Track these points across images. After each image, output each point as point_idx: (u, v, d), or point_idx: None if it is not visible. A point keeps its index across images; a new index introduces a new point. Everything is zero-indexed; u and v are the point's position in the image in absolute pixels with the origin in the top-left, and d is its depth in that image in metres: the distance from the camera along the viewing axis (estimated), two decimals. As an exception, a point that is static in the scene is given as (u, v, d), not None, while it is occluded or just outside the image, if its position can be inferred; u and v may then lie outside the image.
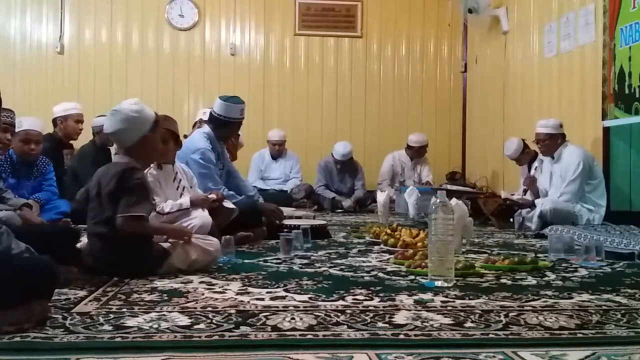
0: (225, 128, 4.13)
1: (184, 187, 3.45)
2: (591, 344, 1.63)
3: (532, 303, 2.11)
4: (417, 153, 7.34)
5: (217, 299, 2.11)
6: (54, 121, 5.37)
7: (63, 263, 2.19)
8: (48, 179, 4.51)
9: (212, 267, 2.80)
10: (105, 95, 7.54)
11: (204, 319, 1.82)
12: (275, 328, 1.73)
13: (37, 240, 2.01)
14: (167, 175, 3.40)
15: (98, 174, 2.66)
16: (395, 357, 1.50)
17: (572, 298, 2.20)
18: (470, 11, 7.11)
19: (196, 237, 2.83)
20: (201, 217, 3.29)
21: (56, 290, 1.96)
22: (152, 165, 3.36)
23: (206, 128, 4.16)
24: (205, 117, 5.13)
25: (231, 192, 4.05)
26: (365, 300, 2.13)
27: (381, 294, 2.22)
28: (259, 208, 4.12)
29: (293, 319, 1.84)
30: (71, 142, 5.56)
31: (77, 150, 5.74)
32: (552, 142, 4.82)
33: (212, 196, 3.53)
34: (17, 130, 4.27)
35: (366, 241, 3.91)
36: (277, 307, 1.99)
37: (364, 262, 3.04)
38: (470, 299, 2.16)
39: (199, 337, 1.64)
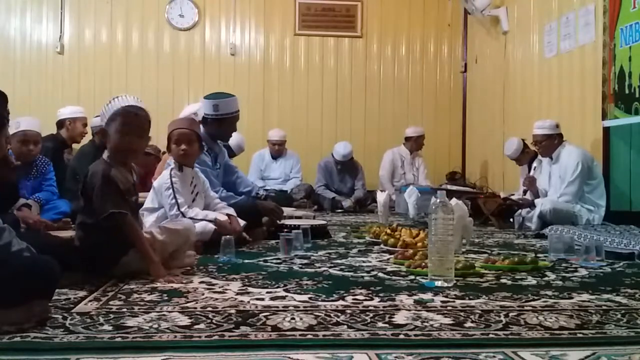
0: (208, 125, 4.07)
1: (197, 193, 3.46)
2: (591, 344, 1.63)
3: (532, 303, 2.11)
4: (415, 144, 7.33)
5: (217, 299, 2.11)
6: (61, 123, 5.35)
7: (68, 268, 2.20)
8: (48, 179, 4.50)
9: (190, 252, 2.86)
10: (105, 95, 7.40)
11: (204, 319, 1.82)
12: (275, 328, 1.73)
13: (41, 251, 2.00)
14: (185, 179, 3.40)
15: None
16: (395, 357, 1.50)
17: (572, 298, 2.20)
18: (468, 13, 7.12)
19: (170, 224, 2.84)
20: (202, 224, 3.29)
21: (56, 290, 1.96)
22: (173, 166, 3.37)
23: (202, 130, 4.14)
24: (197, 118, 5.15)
25: (230, 193, 4.04)
26: (365, 300, 2.13)
27: (381, 294, 2.22)
28: (259, 208, 4.12)
29: (293, 319, 1.84)
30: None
31: (76, 150, 5.75)
32: (550, 143, 4.82)
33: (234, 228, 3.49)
34: (15, 130, 4.28)
35: (366, 241, 3.91)
36: (277, 307, 1.99)
37: (364, 262, 3.04)
38: (470, 299, 2.16)
39: (199, 337, 1.64)
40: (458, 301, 2.12)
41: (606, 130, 5.00)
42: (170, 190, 3.28)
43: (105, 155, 2.63)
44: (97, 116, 5.92)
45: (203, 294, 2.18)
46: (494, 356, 1.51)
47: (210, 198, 3.58)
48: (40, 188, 4.42)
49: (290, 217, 4.49)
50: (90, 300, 2.06)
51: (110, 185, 2.50)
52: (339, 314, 1.89)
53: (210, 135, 4.07)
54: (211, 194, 3.63)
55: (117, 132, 2.57)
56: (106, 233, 2.48)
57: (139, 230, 2.59)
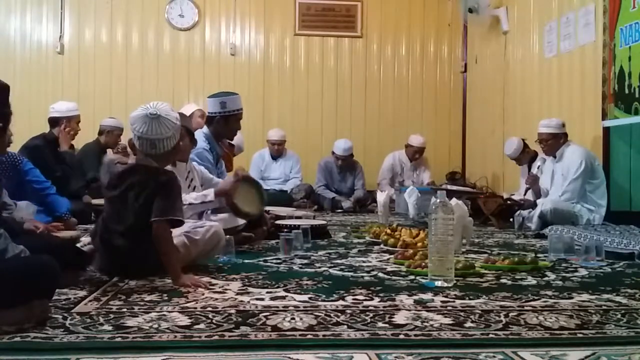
0: (214, 124, 4.06)
1: (194, 187, 3.46)
2: (591, 344, 1.63)
3: (532, 303, 2.11)
4: (415, 154, 7.32)
5: (217, 299, 2.11)
6: (55, 120, 5.16)
7: (69, 268, 2.20)
8: (38, 181, 4.24)
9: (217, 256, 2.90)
10: (105, 95, 7.56)
11: (204, 319, 1.82)
12: (275, 328, 1.73)
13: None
14: (180, 174, 3.39)
15: (125, 176, 2.60)
16: (395, 357, 1.50)
17: (572, 298, 2.21)
18: (470, 11, 7.10)
19: (194, 232, 2.82)
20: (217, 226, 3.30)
21: (56, 290, 1.96)
22: None
23: (205, 129, 4.15)
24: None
25: None
26: (365, 300, 2.13)
27: (381, 294, 2.22)
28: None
29: (293, 319, 1.84)
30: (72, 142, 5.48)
31: (81, 147, 5.78)
32: (555, 142, 4.82)
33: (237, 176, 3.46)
34: None
35: (366, 241, 3.91)
36: (277, 307, 1.99)
37: (364, 262, 3.04)
38: (470, 299, 2.16)
39: (199, 337, 1.64)
40: (458, 301, 2.12)
41: (606, 130, 5.00)
42: None
43: (148, 160, 2.60)
44: (109, 118, 5.99)
45: (203, 294, 2.18)
46: (494, 356, 1.51)
47: (213, 185, 3.56)
48: (21, 189, 4.16)
49: (290, 217, 4.49)
50: (90, 300, 2.06)
51: (180, 194, 2.56)
52: (339, 314, 1.89)
53: (215, 134, 4.06)
54: (214, 180, 3.63)
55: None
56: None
57: (174, 244, 2.53)
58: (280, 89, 8.01)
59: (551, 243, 3.38)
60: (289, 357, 1.49)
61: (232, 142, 4.82)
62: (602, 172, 4.75)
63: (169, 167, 3.26)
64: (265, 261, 3.02)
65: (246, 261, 3.00)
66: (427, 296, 2.19)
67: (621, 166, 4.94)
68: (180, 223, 2.51)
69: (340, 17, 8.08)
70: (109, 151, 6.05)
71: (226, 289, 2.28)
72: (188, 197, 3.22)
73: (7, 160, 4.06)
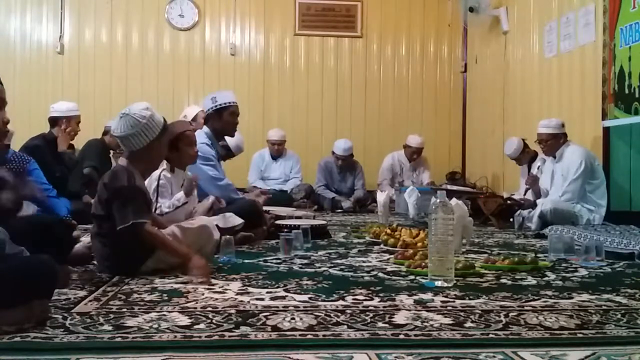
0: (211, 121, 4.12)
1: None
2: (591, 344, 1.63)
3: (532, 303, 2.11)
4: (413, 154, 7.32)
5: (217, 299, 2.11)
6: (55, 120, 5.06)
7: (56, 257, 2.20)
8: (40, 182, 4.19)
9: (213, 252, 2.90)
10: (105, 95, 7.56)
11: (204, 319, 1.82)
12: (275, 328, 1.73)
13: (26, 231, 2.02)
14: (178, 180, 3.40)
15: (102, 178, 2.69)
16: (395, 357, 1.50)
17: (572, 298, 2.21)
18: (471, 10, 7.09)
19: (186, 223, 2.85)
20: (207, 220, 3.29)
21: (56, 290, 1.97)
22: (165, 167, 3.36)
23: (205, 128, 4.18)
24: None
25: (233, 187, 4.12)
26: (365, 300, 2.13)
27: (381, 294, 2.22)
28: (259, 208, 4.12)
29: (293, 319, 1.84)
30: (72, 142, 5.47)
31: (85, 142, 5.76)
32: (555, 142, 4.82)
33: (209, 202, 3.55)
34: None
35: (366, 241, 3.91)
36: (277, 307, 1.99)
37: (364, 262, 3.04)
38: (470, 299, 2.16)
39: (199, 337, 1.64)
40: (458, 301, 2.12)
41: (606, 130, 5.00)
42: (155, 193, 3.26)
43: (124, 162, 2.64)
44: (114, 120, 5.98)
45: (203, 294, 2.18)
46: (494, 356, 1.51)
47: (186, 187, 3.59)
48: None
49: (290, 217, 4.49)
50: (90, 300, 2.06)
51: (136, 194, 2.55)
52: (339, 314, 1.89)
53: (214, 132, 4.12)
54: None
55: (167, 148, 2.82)
56: (125, 243, 2.50)
57: (160, 233, 2.59)
58: (280, 89, 8.02)
59: (551, 243, 3.38)
60: (289, 357, 1.49)
61: (229, 145, 4.86)
62: (602, 172, 4.75)
63: (167, 175, 3.29)
64: (265, 261, 3.02)
65: (246, 261, 3.00)
66: (427, 296, 2.19)
67: (621, 166, 4.94)
68: (142, 225, 2.51)
69: (340, 17, 8.09)
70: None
71: (226, 289, 2.28)
72: (163, 207, 3.24)
73: (14, 160, 4.08)
